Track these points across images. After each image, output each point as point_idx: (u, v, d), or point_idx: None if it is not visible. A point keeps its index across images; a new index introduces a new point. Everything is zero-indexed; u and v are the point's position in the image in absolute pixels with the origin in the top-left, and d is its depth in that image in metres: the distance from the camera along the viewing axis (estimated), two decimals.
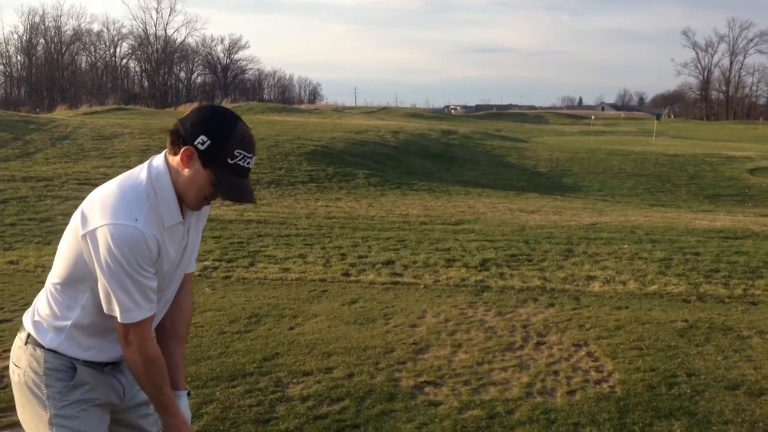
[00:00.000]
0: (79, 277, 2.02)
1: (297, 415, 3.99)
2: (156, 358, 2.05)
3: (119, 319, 1.97)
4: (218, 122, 2.00)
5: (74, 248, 2.01)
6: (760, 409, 4.12)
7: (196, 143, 1.97)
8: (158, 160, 2.06)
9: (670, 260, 8.29)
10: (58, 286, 2.07)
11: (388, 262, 8.03)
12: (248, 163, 2.02)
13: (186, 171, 2.00)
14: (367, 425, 3.88)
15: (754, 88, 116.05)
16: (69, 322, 2.05)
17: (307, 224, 10.82)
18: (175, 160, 2.01)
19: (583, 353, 5.11)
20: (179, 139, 2.00)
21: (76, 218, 2.01)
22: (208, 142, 1.97)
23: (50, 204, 11.64)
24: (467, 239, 9.59)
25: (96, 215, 1.95)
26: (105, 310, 1.99)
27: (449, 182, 19.73)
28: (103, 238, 1.91)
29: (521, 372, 4.72)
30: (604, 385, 4.51)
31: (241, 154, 1.99)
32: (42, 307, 2.11)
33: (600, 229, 10.85)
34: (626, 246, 9.19)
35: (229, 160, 1.98)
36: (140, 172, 2.04)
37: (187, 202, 2.06)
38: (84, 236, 1.96)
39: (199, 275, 7.40)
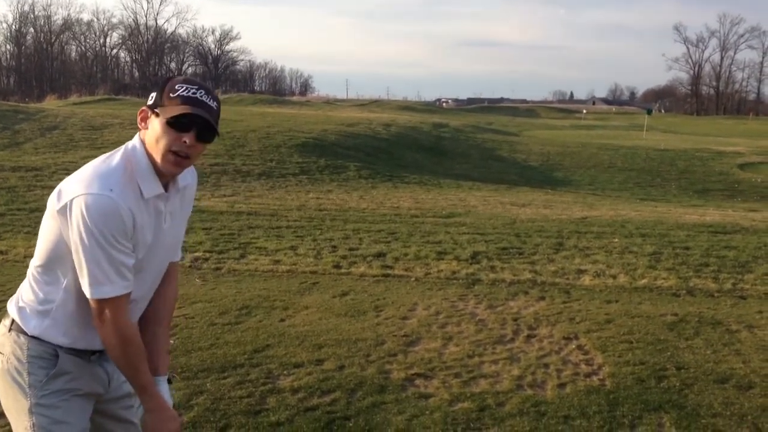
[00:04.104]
0: (60, 258, 2.00)
1: (288, 406, 3.99)
2: (132, 338, 2.01)
3: (91, 294, 1.94)
4: (164, 79, 2.07)
5: (52, 227, 1.99)
6: (749, 403, 4.14)
7: (147, 103, 2.03)
8: (133, 138, 2.09)
9: (660, 254, 8.33)
10: (40, 269, 2.05)
11: (379, 255, 8.02)
12: (194, 93, 1.99)
13: (146, 131, 2.03)
14: (357, 417, 3.88)
15: (744, 83, 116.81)
16: (53, 306, 2.03)
17: (298, 216, 10.80)
18: (143, 132, 2.05)
19: (574, 346, 5.12)
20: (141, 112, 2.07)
21: (52, 197, 2.00)
22: (154, 93, 2.03)
23: (39, 194, 11.56)
24: (458, 232, 9.60)
25: (71, 188, 1.95)
26: (82, 287, 1.96)
27: (440, 175, 19.73)
28: (78, 208, 1.90)
29: (512, 365, 4.73)
30: (594, 378, 4.53)
31: (183, 86, 2.00)
32: (26, 292, 2.09)
33: (590, 223, 10.89)
34: (616, 240, 9.22)
35: (171, 95, 1.99)
36: (115, 151, 2.07)
37: (160, 166, 2.02)
38: (60, 210, 1.94)
39: (190, 266, 7.37)
